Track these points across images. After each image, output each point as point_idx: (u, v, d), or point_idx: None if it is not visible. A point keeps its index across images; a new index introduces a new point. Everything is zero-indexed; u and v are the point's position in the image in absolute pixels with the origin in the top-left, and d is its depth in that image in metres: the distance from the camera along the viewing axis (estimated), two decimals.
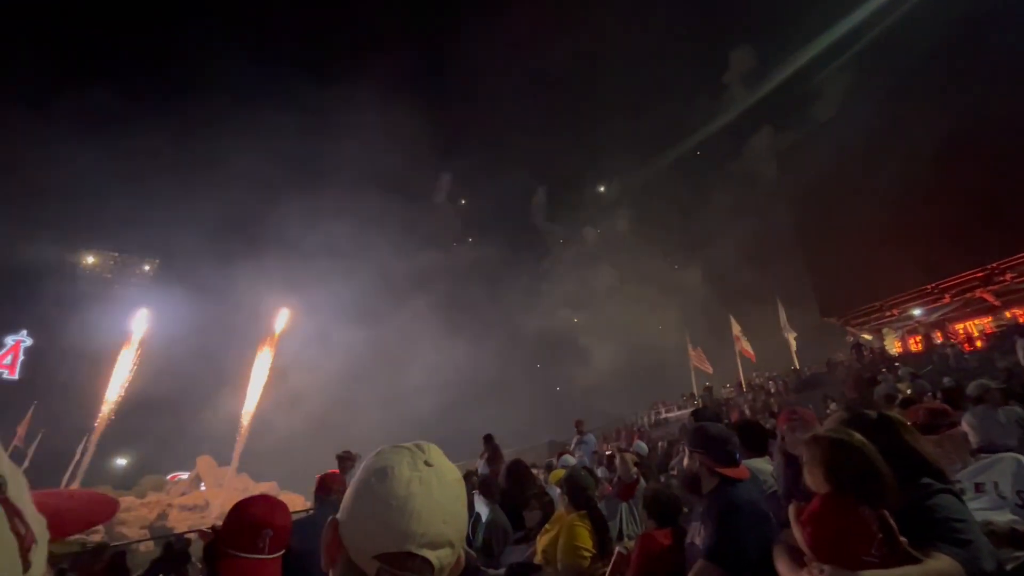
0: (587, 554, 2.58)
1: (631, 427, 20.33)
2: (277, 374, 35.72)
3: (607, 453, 7.52)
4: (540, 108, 55.55)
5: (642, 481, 4.12)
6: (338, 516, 0.72)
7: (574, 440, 8.54)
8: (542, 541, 2.90)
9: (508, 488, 4.09)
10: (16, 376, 38.85)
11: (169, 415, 36.93)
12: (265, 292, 37.18)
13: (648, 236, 47.29)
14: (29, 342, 39.90)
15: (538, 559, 2.82)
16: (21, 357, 39.44)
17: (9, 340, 39.28)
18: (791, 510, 1.60)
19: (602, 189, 55.18)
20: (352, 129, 51.64)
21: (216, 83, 47.88)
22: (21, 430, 27.69)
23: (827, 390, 14.42)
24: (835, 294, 28.02)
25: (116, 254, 47.13)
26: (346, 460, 5.24)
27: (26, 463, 25.76)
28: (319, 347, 40.39)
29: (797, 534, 1.52)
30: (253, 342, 35.62)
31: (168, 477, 33.98)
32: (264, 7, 53.33)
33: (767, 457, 2.82)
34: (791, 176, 32.76)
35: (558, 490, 3.21)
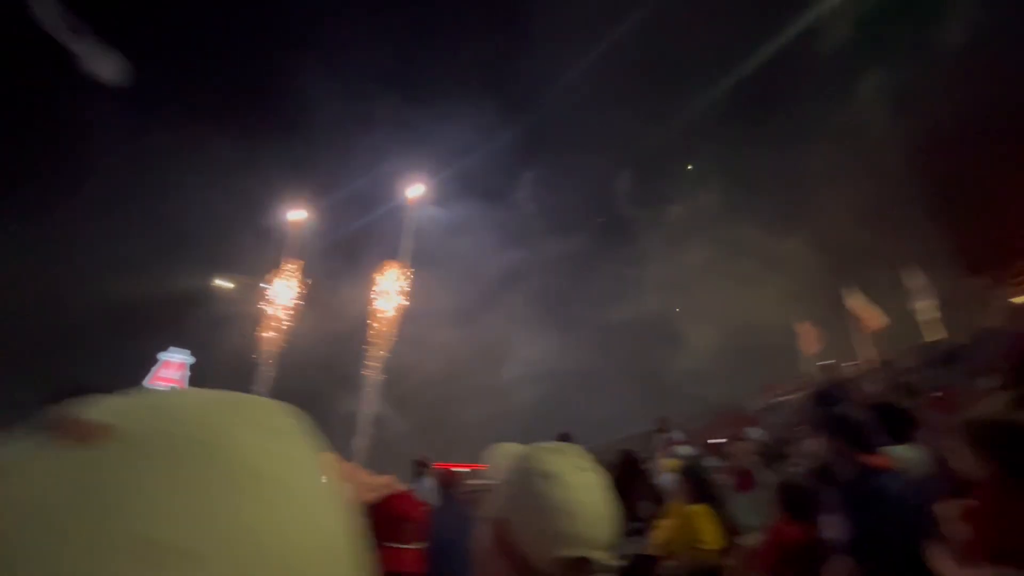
0: (711, 548, 2.52)
1: (740, 413, 19.23)
2: (386, 377, 39.06)
3: (716, 441, 7.17)
4: (613, 87, 53.90)
5: (761, 471, 3.91)
6: (496, 515, 0.76)
7: (662, 439, 7.97)
8: (660, 533, 2.86)
9: (619, 479, 4.08)
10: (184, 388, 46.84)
11: (304, 416, 41.63)
12: (368, 301, 40.50)
13: (744, 208, 44.19)
14: (192, 360, 47.26)
15: (656, 551, 2.80)
16: (188, 374, 46.89)
17: (176, 357, 46.87)
18: (949, 504, 1.45)
19: (689, 167, 52.55)
20: (432, 135, 53.26)
21: (312, 115, 51.97)
22: None
23: (974, 364, 12.55)
24: (984, 250, 24.24)
25: (246, 277, 53.41)
26: (422, 467, 5.42)
27: None
28: (420, 350, 43.16)
29: (957, 531, 1.38)
30: (365, 347, 39.28)
31: None
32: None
33: (910, 443, 2.55)
34: (916, 117, 28.63)
35: (667, 480, 3.14)
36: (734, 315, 40.62)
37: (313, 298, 44.83)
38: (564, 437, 6.56)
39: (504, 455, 0.83)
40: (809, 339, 20.97)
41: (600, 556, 0.70)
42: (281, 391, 38.07)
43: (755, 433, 6.80)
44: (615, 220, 55.83)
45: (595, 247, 52.11)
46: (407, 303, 41.53)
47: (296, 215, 42.14)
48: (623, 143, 54.24)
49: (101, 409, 0.34)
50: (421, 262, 44.45)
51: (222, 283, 53.87)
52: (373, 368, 38.91)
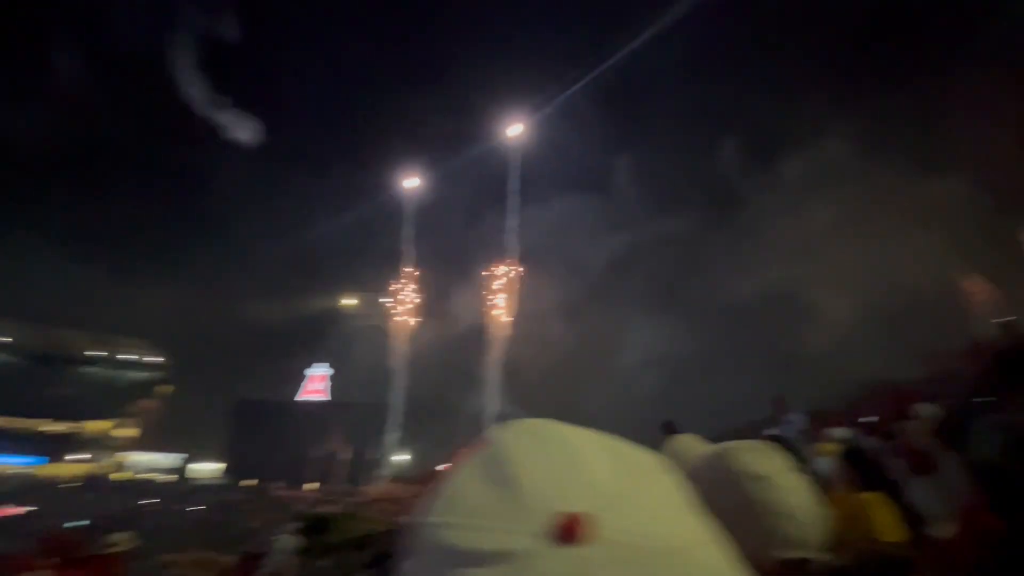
0: (893, 539, 2.29)
1: (899, 387, 16.88)
2: (508, 374, 40.85)
3: (870, 421, 6.41)
4: (710, 50, 50.45)
5: (940, 452, 3.44)
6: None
7: (783, 421, 7.23)
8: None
9: None
10: (329, 398, 53.21)
11: (436, 417, 45.10)
12: (481, 302, 42.53)
13: (881, 152, 38.57)
14: (331, 372, 54.39)
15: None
16: (329, 384, 53.96)
17: (319, 371, 54.01)
18: None
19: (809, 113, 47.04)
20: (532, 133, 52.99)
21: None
22: (335, 440, 37.04)
23: None
24: None
25: (371, 293, 58.59)
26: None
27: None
28: (536, 345, 44.20)
29: None
30: (484, 347, 41.63)
31: (436, 469, 41.46)
32: None
33: None
34: None
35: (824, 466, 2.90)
36: (877, 277, 35.67)
37: (431, 306, 47.99)
38: (668, 426, 5.97)
39: (688, 451, 0.86)
40: (979, 295, 17.80)
41: (819, 556, 0.70)
42: (412, 395, 41.44)
43: (926, 409, 5.98)
44: (725, 191, 52.14)
45: (707, 223, 49.22)
46: (519, 301, 43.10)
47: (408, 231, 44.93)
48: (725, 109, 50.43)
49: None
50: (530, 259, 45.58)
51: (350, 301, 59.60)
52: (493, 366, 41.01)
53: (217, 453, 52.68)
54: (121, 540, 6.83)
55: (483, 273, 45.84)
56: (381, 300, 56.39)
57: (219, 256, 65.06)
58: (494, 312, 42.97)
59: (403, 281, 47.41)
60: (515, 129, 43.91)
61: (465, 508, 0.31)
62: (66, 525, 32.44)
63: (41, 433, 49.32)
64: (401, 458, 46.90)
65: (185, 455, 54.10)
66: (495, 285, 44.44)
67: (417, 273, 48.18)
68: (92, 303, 59.13)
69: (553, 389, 44.12)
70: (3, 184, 60.11)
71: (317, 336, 58.13)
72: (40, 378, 53.68)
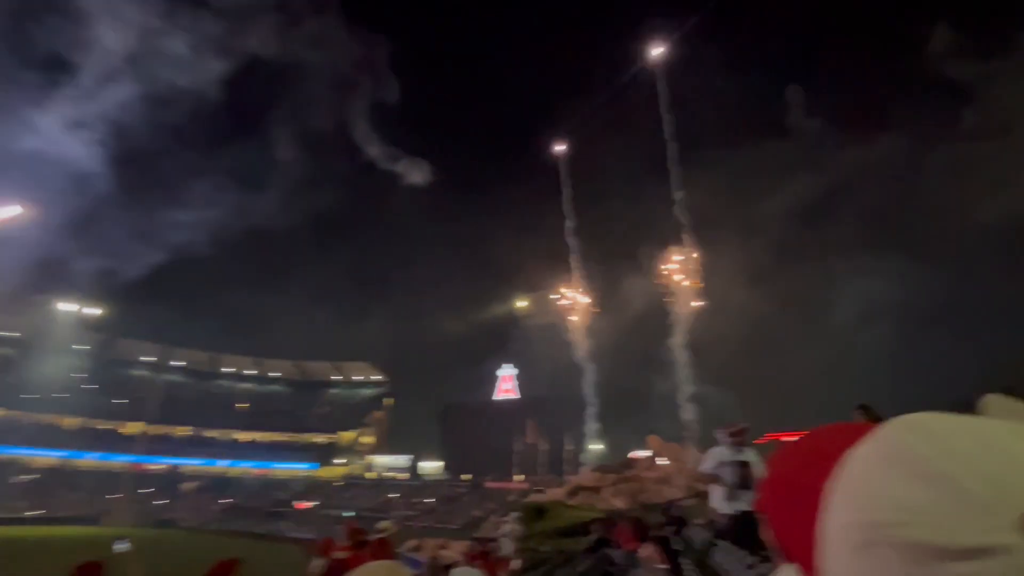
0: None
1: None
2: (698, 353, 38.67)
3: None
4: None
5: None
6: None
7: None
8: None
9: None
10: (517, 396, 57.17)
11: (626, 405, 45.14)
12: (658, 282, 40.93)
13: None
14: (516, 371, 58.58)
15: None
16: (516, 383, 58.13)
17: (507, 371, 58.66)
18: None
19: None
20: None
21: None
22: (532, 434, 39.33)
23: None
24: None
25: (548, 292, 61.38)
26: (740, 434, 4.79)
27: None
28: (730, 317, 40.93)
29: None
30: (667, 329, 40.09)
31: (630, 456, 41.09)
32: None
33: None
34: None
35: None
36: None
37: (606, 294, 48.04)
38: (865, 410, 4.56)
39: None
40: None
41: None
42: (601, 385, 41.80)
43: None
44: (946, 95, 41.32)
45: (923, 143, 39.52)
46: (700, 273, 40.18)
47: (570, 223, 45.27)
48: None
49: None
50: (706, 224, 42.42)
51: (525, 302, 62.88)
52: (680, 347, 39.03)
53: (437, 452, 60.42)
54: (387, 527, 8.31)
55: (656, 251, 43.86)
56: (552, 297, 58.48)
57: (415, 284, 75.08)
58: (674, 290, 40.74)
59: (573, 274, 48.37)
60: (659, 52, 39.80)
61: (899, 505, 0.31)
62: (344, 515, 40.53)
63: (311, 443, 62.41)
64: (597, 447, 47.83)
65: (412, 456, 63.16)
66: (672, 261, 42.11)
67: (585, 264, 48.70)
68: (328, 339, 72.85)
69: (751, 362, 40.41)
70: (257, 253, 77.81)
71: (503, 339, 63.40)
72: (303, 401, 68.06)
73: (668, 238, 42.47)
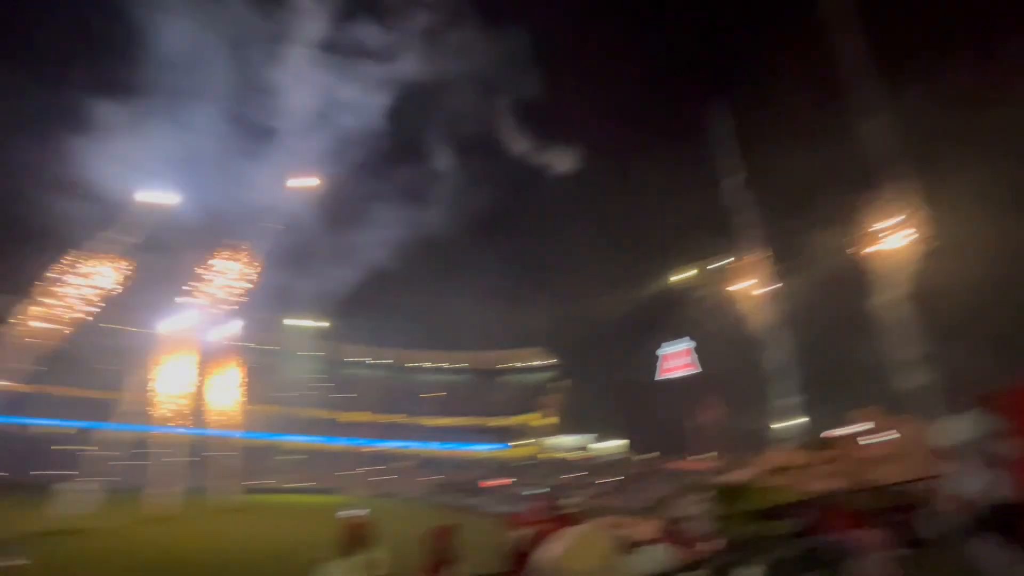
0: None
1: None
2: (913, 313, 32.24)
3: None
4: None
5: None
6: None
7: None
8: None
9: None
10: (697, 369, 54.45)
11: (823, 377, 39.88)
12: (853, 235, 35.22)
13: None
14: (693, 344, 55.78)
15: None
16: (695, 356, 55.34)
17: (681, 346, 56.09)
18: None
19: None
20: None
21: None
22: (714, 410, 37.05)
23: None
24: None
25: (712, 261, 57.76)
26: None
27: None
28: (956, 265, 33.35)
29: None
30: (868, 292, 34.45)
31: (833, 431, 36.16)
32: None
33: None
34: None
35: None
36: None
37: (796, 254, 42.76)
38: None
39: None
40: None
41: None
42: (796, 354, 37.41)
43: None
44: None
45: None
46: (914, 219, 33.00)
47: (738, 181, 40.86)
48: None
49: None
50: (922, 168, 34.92)
51: (693, 272, 59.45)
52: (887, 308, 32.71)
53: (615, 432, 60.60)
54: (570, 504, 8.63)
55: (854, 196, 37.31)
56: (726, 262, 54.14)
57: (579, 268, 76.19)
58: (880, 237, 33.98)
59: (748, 235, 43.97)
60: None
61: None
62: (533, 492, 43.28)
63: (496, 427, 67.81)
64: (792, 422, 43.03)
65: (591, 436, 64.39)
66: (878, 204, 35.36)
67: (761, 223, 43.93)
68: (502, 329, 77.90)
69: (989, 315, 32.00)
70: (433, 260, 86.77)
71: (676, 312, 60.99)
72: (485, 388, 74.25)
73: (867, 180, 35.64)
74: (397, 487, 54.83)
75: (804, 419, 42.05)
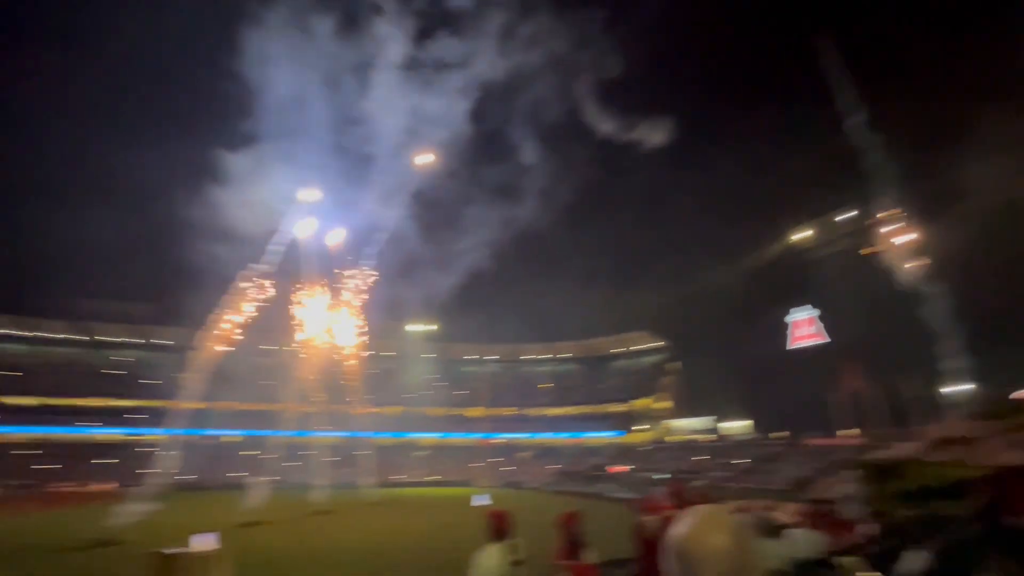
0: None
1: None
2: None
3: None
4: None
5: None
6: None
7: None
8: None
9: None
10: (825, 339, 49.32)
11: (996, 337, 34.27)
12: None
13: None
14: (816, 312, 50.58)
15: None
16: (820, 325, 50.12)
17: (804, 315, 51.11)
18: None
19: None
20: None
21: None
22: (853, 381, 33.27)
23: None
24: None
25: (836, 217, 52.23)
26: None
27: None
28: None
29: None
30: None
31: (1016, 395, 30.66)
32: None
33: None
34: None
35: None
36: None
37: (936, 199, 37.09)
38: None
39: None
40: None
41: None
42: (952, 311, 32.50)
43: None
44: None
45: None
46: None
47: (860, 122, 36.42)
48: None
49: None
50: None
51: (814, 232, 54.07)
52: None
53: (740, 411, 56.97)
54: (701, 485, 8.32)
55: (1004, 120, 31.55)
56: (850, 216, 48.60)
57: (680, 244, 72.49)
58: None
59: (877, 182, 38.80)
60: None
61: None
62: (655, 476, 42.30)
63: (609, 413, 67.09)
64: (956, 388, 37.27)
65: (713, 417, 61.16)
66: None
67: (892, 167, 38.61)
68: (605, 316, 76.76)
69: None
70: (531, 254, 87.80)
71: (795, 279, 55.78)
72: (594, 375, 73.79)
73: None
74: (520, 477, 56.61)
75: (970, 384, 36.15)
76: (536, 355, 78.97)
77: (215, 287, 28.61)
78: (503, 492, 44.91)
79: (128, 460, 54.66)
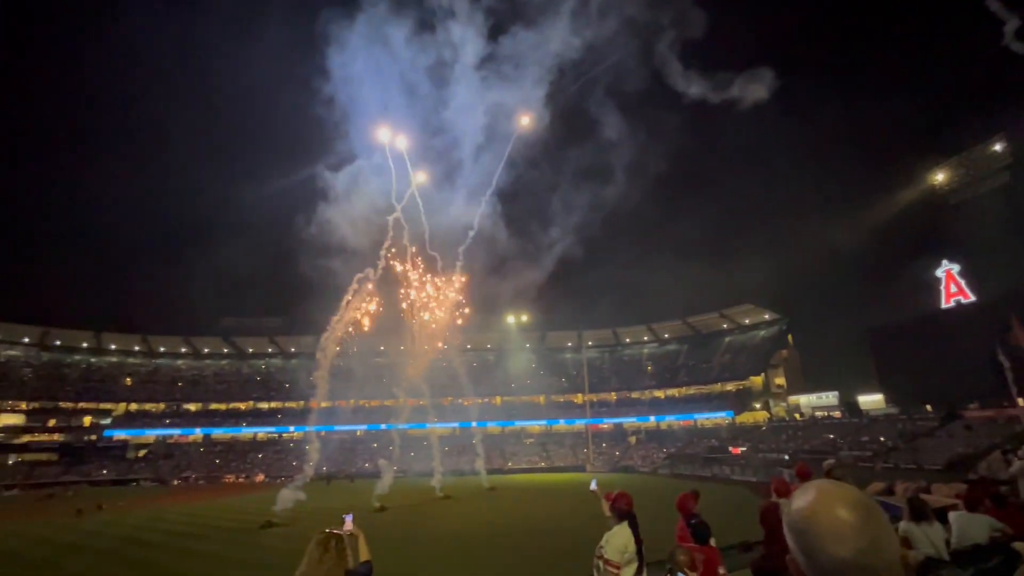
0: None
1: None
2: None
3: None
4: None
5: None
6: None
7: None
8: None
9: None
10: (972, 298, 42.40)
11: None
12: None
13: None
14: (959, 266, 43.54)
15: None
16: (963, 281, 43.16)
17: (945, 270, 44.21)
18: None
19: None
20: None
21: None
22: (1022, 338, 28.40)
23: None
24: None
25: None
26: None
27: None
28: None
29: None
30: None
31: None
32: None
33: None
34: None
35: None
36: None
37: None
38: None
39: None
40: None
41: None
42: None
43: None
44: None
45: None
46: None
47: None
48: None
49: None
50: None
51: (948, 172, 46.97)
52: None
53: (871, 383, 51.11)
54: (832, 465, 7.68)
55: None
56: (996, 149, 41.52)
57: (785, 205, 66.57)
58: None
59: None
60: None
61: None
62: (780, 457, 39.53)
63: (721, 392, 63.56)
64: None
65: (836, 392, 55.53)
66: None
67: None
68: (706, 291, 72.79)
69: None
70: (624, 234, 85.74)
71: (926, 231, 48.76)
72: (701, 354, 70.26)
73: None
74: (631, 461, 55.81)
75: None
76: (638, 336, 76.99)
77: (334, 296, 31.38)
78: (615, 477, 44.60)
79: (274, 455, 62.25)
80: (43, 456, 59.14)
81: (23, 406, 61.70)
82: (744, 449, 47.14)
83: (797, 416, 54.91)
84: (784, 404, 60.46)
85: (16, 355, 67.43)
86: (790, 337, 64.72)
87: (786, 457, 39.61)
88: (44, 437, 60.92)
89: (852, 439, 39.57)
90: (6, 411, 60.69)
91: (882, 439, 37.15)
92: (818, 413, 53.52)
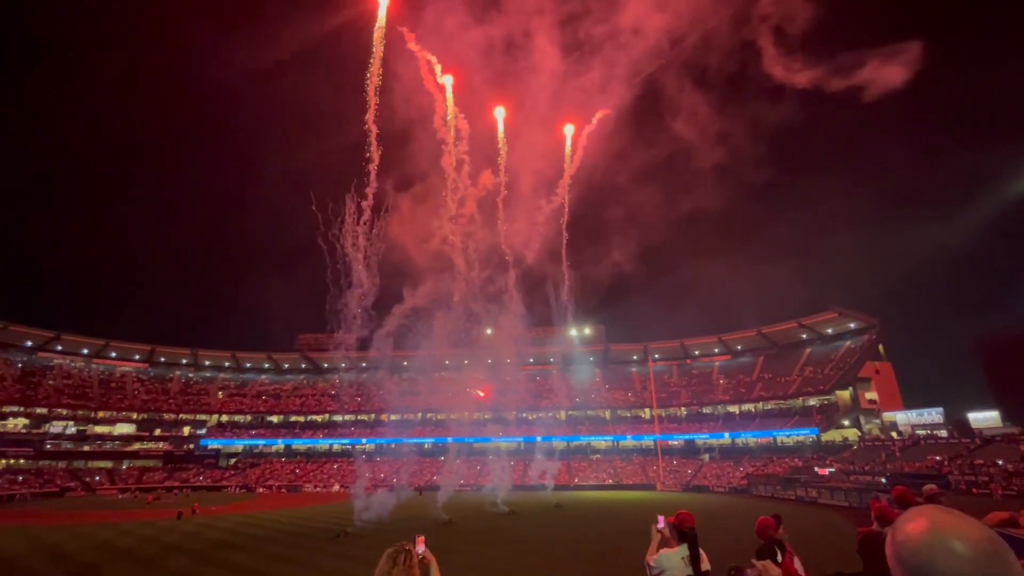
0: None
1: None
2: None
3: None
4: None
5: None
6: None
7: None
8: None
9: None
10: None
11: None
12: None
13: None
14: None
15: None
16: None
17: None
18: None
19: None
20: None
21: None
22: None
23: None
24: None
25: None
26: None
27: None
28: None
29: None
30: None
31: None
32: None
33: None
34: None
35: None
36: None
37: None
38: None
39: None
40: None
41: None
42: None
43: None
44: None
45: None
46: None
47: None
48: None
49: None
50: None
51: None
52: None
53: (982, 399, 45.56)
54: (933, 489, 6.93)
55: None
56: None
57: (879, 203, 61.55)
58: None
59: None
60: None
61: None
62: (875, 479, 36.02)
63: (803, 407, 59.02)
64: None
65: (940, 408, 49.95)
66: None
67: None
68: (787, 298, 68.54)
69: None
70: (698, 240, 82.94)
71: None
72: (779, 366, 65.81)
73: None
74: (704, 480, 53.01)
75: None
76: (708, 348, 73.56)
77: (404, 314, 32.54)
78: (686, 497, 42.52)
79: (348, 465, 64.98)
80: (150, 463, 65.32)
81: (134, 416, 68.60)
82: (832, 471, 43.39)
83: (894, 435, 49.86)
84: (878, 421, 55.15)
85: (128, 370, 75.32)
86: (881, 347, 59.19)
87: (883, 480, 36.05)
88: (151, 445, 67.32)
89: (963, 462, 35.33)
90: (121, 420, 67.71)
91: (1000, 462, 32.89)
92: (919, 432, 48.35)
